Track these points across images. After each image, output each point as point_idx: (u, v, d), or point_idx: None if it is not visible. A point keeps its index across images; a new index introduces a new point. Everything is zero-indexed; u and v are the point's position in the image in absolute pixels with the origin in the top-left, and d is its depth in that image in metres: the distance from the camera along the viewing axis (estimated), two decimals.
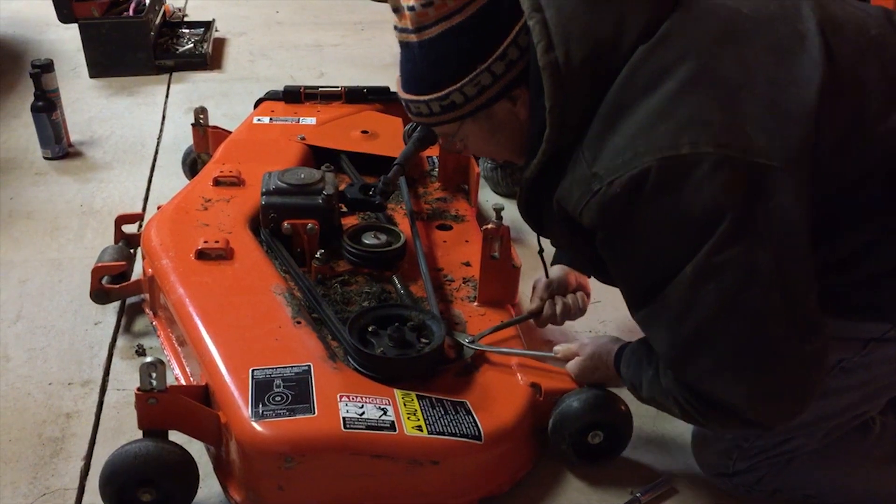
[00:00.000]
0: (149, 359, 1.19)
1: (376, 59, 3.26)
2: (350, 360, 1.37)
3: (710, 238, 0.96)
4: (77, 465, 1.38)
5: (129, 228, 1.87)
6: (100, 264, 1.71)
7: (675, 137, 0.96)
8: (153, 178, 2.32)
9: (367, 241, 1.67)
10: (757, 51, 1.02)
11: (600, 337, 1.36)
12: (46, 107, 2.34)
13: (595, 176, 1.00)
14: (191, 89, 2.94)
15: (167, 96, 2.87)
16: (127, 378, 1.57)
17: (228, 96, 2.87)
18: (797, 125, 0.98)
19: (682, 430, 1.45)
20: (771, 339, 0.99)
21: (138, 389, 1.21)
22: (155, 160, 2.42)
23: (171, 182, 2.25)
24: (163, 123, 2.66)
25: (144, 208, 2.16)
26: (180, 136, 2.50)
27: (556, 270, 1.53)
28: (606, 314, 1.79)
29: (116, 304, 1.75)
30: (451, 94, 1.10)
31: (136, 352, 1.64)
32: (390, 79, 2.83)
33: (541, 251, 1.40)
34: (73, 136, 2.50)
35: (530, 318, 1.54)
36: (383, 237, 1.69)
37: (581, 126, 1.03)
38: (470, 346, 1.43)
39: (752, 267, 0.96)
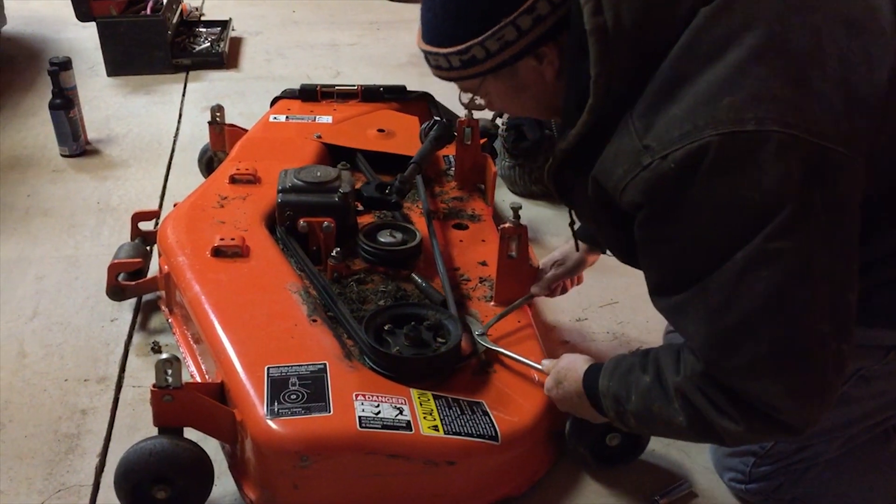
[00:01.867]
0: (165, 356, 1.18)
1: (392, 59, 3.26)
2: (366, 359, 1.36)
3: (767, 225, 0.88)
4: (92, 462, 1.38)
5: (146, 225, 1.87)
6: (116, 261, 1.71)
7: (739, 112, 0.88)
8: (169, 176, 2.33)
9: (382, 240, 1.66)
10: (828, 21, 0.94)
11: (574, 354, 1.31)
12: (64, 104, 2.35)
13: (646, 149, 0.92)
14: (207, 88, 2.94)
15: (184, 95, 2.88)
16: (142, 375, 1.57)
17: (245, 95, 2.88)
18: (866, 111, 0.92)
19: None
20: (815, 336, 0.93)
21: (154, 386, 1.20)
22: (171, 158, 2.43)
23: (188, 180, 2.25)
24: (179, 121, 2.67)
25: (161, 205, 2.16)
26: (196, 135, 2.51)
27: (571, 251, 1.54)
28: (625, 315, 1.78)
29: (132, 300, 1.75)
30: (471, 49, 1.03)
31: (152, 349, 1.64)
32: (407, 78, 2.84)
33: (571, 223, 1.36)
34: (91, 134, 2.52)
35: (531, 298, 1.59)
36: (399, 235, 1.68)
37: (627, 95, 0.96)
38: (479, 338, 1.43)
39: (806, 258, 0.90)
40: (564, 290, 1.62)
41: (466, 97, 1.14)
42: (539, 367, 1.34)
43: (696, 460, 1.41)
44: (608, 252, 1.56)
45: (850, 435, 1.24)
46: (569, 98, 1.02)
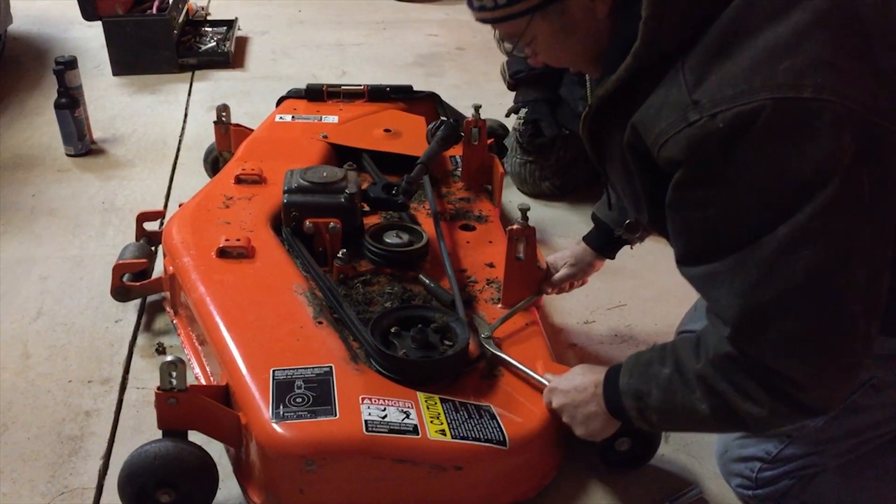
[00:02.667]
0: (169, 358, 1.17)
1: (399, 58, 3.25)
2: (372, 361, 1.35)
3: (812, 199, 0.86)
4: (96, 465, 1.37)
5: (151, 226, 1.86)
6: (121, 262, 1.70)
7: (798, 77, 0.85)
8: (175, 176, 2.32)
9: (388, 241, 1.65)
10: None
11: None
12: (70, 104, 2.34)
13: (695, 104, 0.89)
14: (213, 87, 2.94)
15: (189, 94, 2.87)
16: (147, 377, 1.56)
17: (250, 95, 2.87)
18: None
19: (711, 438, 1.42)
20: (848, 318, 0.91)
21: (158, 388, 1.19)
22: (177, 158, 2.42)
23: (193, 180, 2.24)
24: (185, 121, 2.66)
25: (166, 206, 2.15)
26: (202, 134, 2.50)
27: (583, 255, 1.55)
28: (633, 318, 1.76)
29: (137, 301, 1.74)
30: None
31: (157, 350, 1.62)
32: (413, 77, 2.83)
33: (609, 207, 1.33)
34: (96, 134, 2.51)
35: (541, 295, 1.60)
36: (405, 236, 1.66)
37: (676, 43, 0.92)
38: (483, 340, 1.41)
39: (849, 239, 0.88)
40: (570, 288, 1.62)
41: (509, 45, 1.10)
42: (543, 380, 1.32)
43: (707, 466, 1.40)
44: (616, 256, 1.57)
45: (859, 442, 1.23)
46: (615, 41, 0.98)
